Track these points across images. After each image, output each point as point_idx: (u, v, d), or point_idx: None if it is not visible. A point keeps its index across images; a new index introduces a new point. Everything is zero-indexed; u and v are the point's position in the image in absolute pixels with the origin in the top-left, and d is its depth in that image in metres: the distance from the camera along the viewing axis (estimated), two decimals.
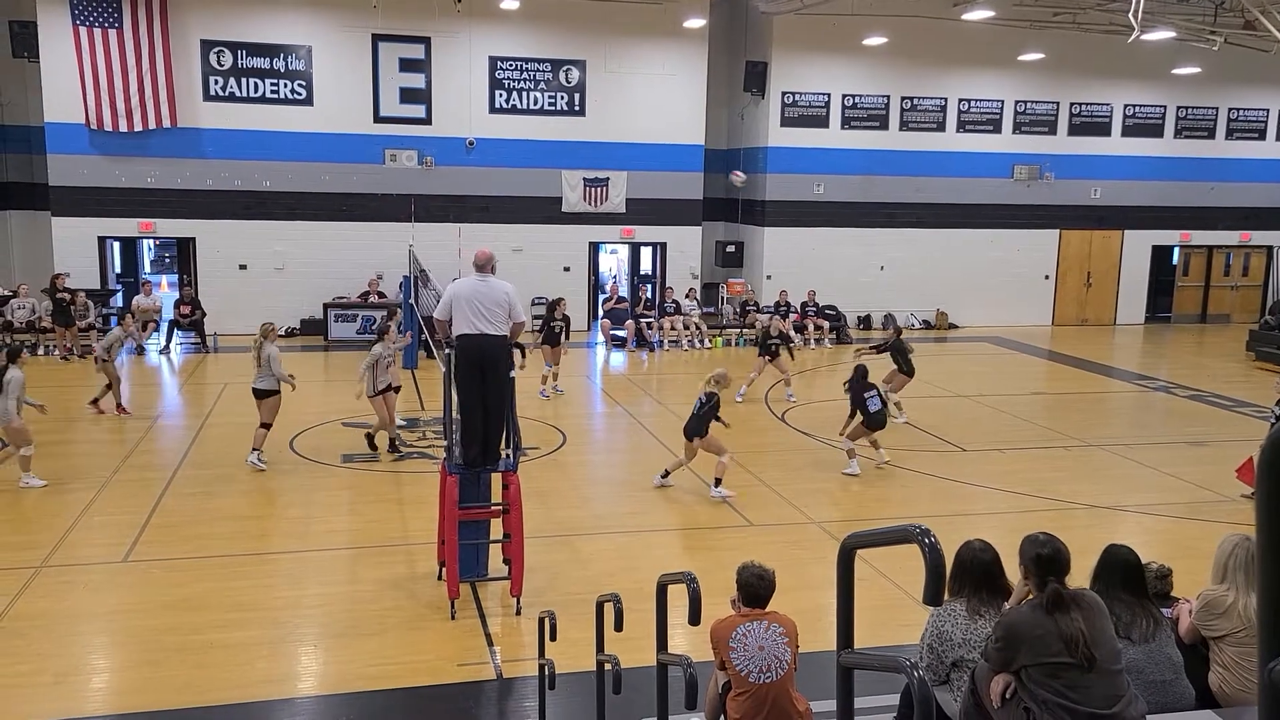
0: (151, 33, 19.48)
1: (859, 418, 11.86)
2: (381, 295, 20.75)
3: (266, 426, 11.72)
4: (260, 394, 11.62)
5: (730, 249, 23.68)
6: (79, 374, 17.15)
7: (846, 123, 23.22)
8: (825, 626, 3.51)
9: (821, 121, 23.07)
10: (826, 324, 21.99)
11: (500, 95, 21.51)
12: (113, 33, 19.30)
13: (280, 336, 20.56)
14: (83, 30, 19.16)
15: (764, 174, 23.08)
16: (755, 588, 4.68)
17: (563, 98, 21.81)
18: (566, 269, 22.36)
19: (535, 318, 20.72)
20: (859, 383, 11.87)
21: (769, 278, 23.02)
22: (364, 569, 8.85)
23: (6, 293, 19.04)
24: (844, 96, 23.11)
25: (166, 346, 19.15)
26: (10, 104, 20.96)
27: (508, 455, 8.23)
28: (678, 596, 4.66)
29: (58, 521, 9.77)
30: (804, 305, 22.00)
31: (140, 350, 18.94)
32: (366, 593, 8.30)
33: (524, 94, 21.61)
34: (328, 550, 9.35)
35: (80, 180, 19.83)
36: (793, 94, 22.84)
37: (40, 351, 18.35)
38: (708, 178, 23.07)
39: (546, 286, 21.89)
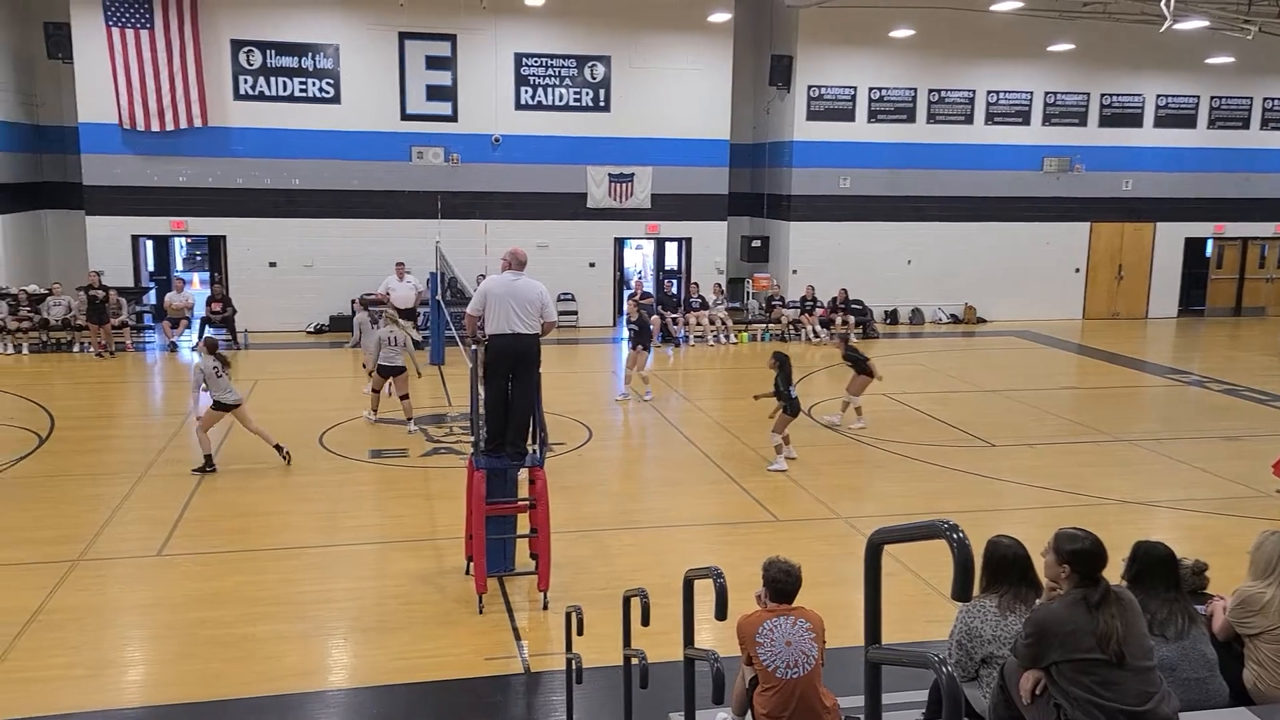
0: (182, 33, 19.66)
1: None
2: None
3: (405, 397, 13.28)
4: (391, 370, 13.19)
5: (756, 244, 23.60)
6: (114, 370, 17.37)
7: (873, 116, 23.07)
8: (853, 622, 3.50)
9: (847, 115, 22.93)
10: (853, 319, 21.88)
11: (525, 92, 21.54)
12: (144, 33, 19.49)
13: (308, 333, 20.90)
14: (115, 31, 19.36)
15: (789, 168, 22.99)
16: (782, 583, 4.68)
17: (588, 94, 21.81)
18: (591, 265, 22.38)
19: (563, 313, 20.84)
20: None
21: (795, 272, 22.94)
22: (392, 564, 8.91)
23: (42, 291, 19.30)
24: (870, 89, 22.96)
25: (196, 345, 19.32)
26: (45, 104, 21.25)
27: (534, 450, 8.26)
28: (704, 591, 4.66)
29: (93, 516, 9.90)
30: (833, 300, 21.91)
31: (172, 348, 19.16)
32: (395, 587, 8.36)
33: (549, 90, 21.64)
34: (356, 545, 9.42)
35: (113, 179, 20.06)
36: (819, 87, 22.72)
37: (75, 349, 18.59)
38: (733, 173, 23.00)
39: (572, 283, 21.98)
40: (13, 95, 20.28)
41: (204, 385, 11.35)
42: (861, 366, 13.52)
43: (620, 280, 23.46)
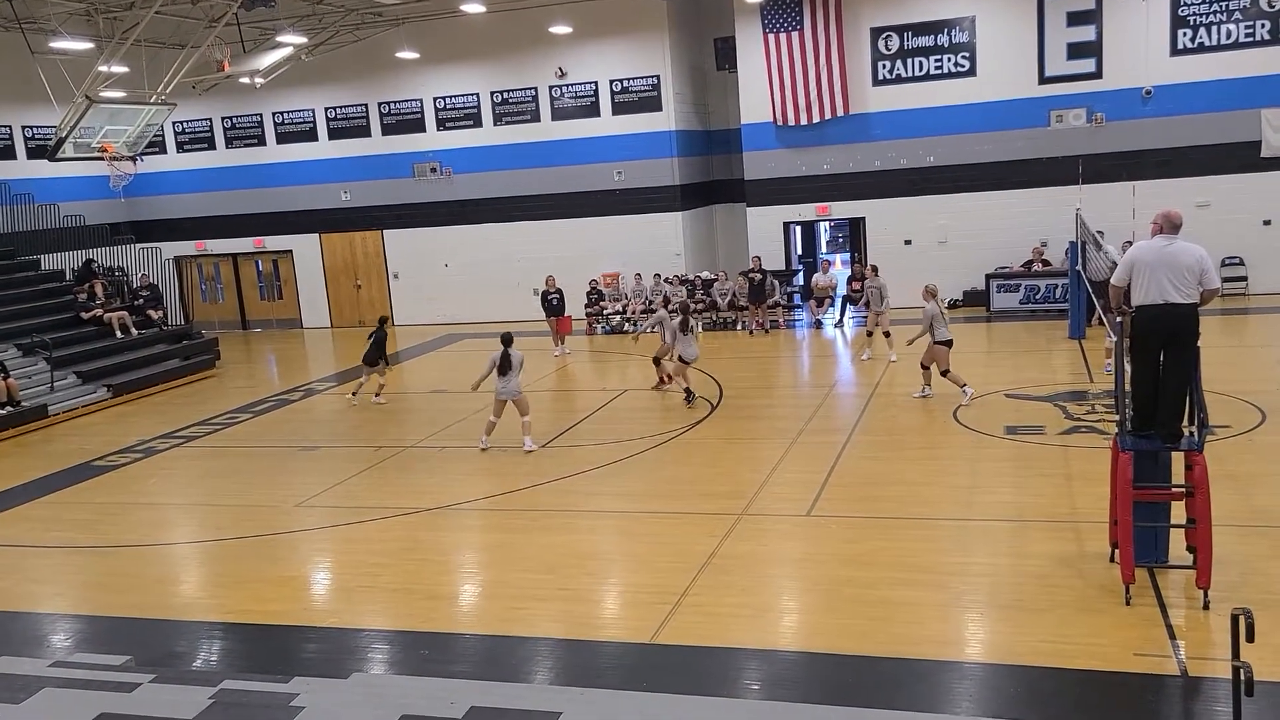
0: (828, 29, 21.07)
1: None
2: (1046, 264, 20.04)
3: (945, 373, 13.50)
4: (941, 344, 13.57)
5: None
6: (769, 345, 19.27)
7: None
8: None
9: None
10: None
11: (1184, 35, 19.36)
12: (795, 35, 21.26)
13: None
14: (771, 37, 21.42)
15: None
16: None
17: (1263, 26, 18.90)
18: (1266, 223, 19.44)
19: (1228, 279, 18.56)
20: None
21: None
22: (1029, 543, 8.72)
23: (711, 276, 22.11)
24: None
25: (840, 320, 20.66)
26: (714, 111, 24.26)
27: (1191, 433, 7.50)
28: None
29: (754, 475, 11.17)
30: None
31: (818, 324, 20.73)
32: (1033, 567, 8.18)
33: (1213, 29, 19.17)
34: (992, 521, 9.38)
35: (768, 172, 22.23)
36: None
37: (738, 327, 21.01)
38: None
39: (1240, 245, 19.36)
40: (690, 107, 23.47)
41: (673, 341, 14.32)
42: None
43: None
